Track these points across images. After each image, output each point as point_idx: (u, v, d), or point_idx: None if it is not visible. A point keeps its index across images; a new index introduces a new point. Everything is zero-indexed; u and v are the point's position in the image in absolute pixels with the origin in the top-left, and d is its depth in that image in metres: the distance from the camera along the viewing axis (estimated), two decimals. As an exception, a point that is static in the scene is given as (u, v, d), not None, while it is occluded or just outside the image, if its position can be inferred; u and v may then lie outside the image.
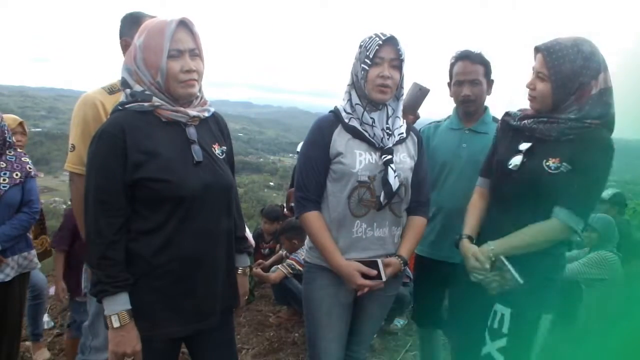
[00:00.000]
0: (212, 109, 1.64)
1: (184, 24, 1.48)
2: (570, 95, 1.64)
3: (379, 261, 1.76)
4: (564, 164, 1.63)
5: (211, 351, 1.70)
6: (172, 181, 1.44)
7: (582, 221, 1.63)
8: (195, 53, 1.50)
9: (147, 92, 1.47)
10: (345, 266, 1.75)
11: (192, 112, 1.53)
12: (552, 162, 1.65)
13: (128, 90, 1.49)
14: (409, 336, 3.61)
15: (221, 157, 1.62)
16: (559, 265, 1.78)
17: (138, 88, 1.48)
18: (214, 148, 1.60)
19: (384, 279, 1.74)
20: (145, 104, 1.47)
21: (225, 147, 1.66)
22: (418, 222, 1.91)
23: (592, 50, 1.62)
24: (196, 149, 1.52)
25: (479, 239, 1.83)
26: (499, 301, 1.76)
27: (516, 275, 1.65)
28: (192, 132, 1.54)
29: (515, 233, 1.70)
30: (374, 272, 1.73)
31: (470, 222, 1.90)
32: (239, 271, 1.79)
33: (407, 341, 3.53)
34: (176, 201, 1.46)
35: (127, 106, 1.47)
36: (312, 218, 1.80)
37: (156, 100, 1.47)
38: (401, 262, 1.82)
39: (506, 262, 1.67)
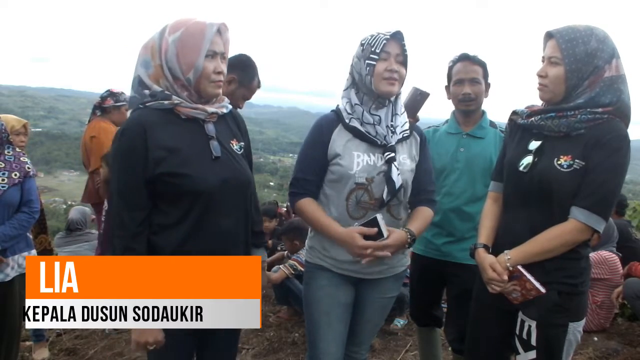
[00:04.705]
0: (230, 106, 1.69)
1: (219, 29, 1.55)
2: (583, 81, 1.56)
3: (378, 216, 1.68)
4: (577, 160, 1.56)
5: (212, 351, 1.72)
6: (191, 175, 1.50)
7: (603, 220, 1.54)
8: (224, 57, 1.59)
9: (166, 92, 1.53)
10: (345, 232, 1.71)
11: (211, 108, 1.58)
12: (563, 160, 1.57)
13: (146, 92, 1.54)
14: (409, 336, 3.61)
15: (239, 153, 1.66)
16: (582, 268, 1.65)
17: (156, 88, 1.53)
18: (232, 144, 1.65)
19: (385, 235, 1.67)
20: (165, 102, 1.52)
21: (243, 143, 1.70)
22: (425, 211, 1.87)
23: (605, 35, 1.57)
24: (215, 145, 1.57)
25: (495, 245, 1.76)
26: (523, 312, 1.68)
27: (536, 284, 1.57)
28: (210, 128, 1.59)
29: (532, 239, 1.61)
30: (374, 230, 1.67)
31: (485, 231, 1.80)
32: None
33: (407, 341, 3.53)
34: (195, 195, 1.51)
35: (147, 104, 1.53)
36: (306, 202, 1.81)
37: (175, 99, 1.53)
38: (407, 233, 1.74)
39: (525, 272, 1.59)
